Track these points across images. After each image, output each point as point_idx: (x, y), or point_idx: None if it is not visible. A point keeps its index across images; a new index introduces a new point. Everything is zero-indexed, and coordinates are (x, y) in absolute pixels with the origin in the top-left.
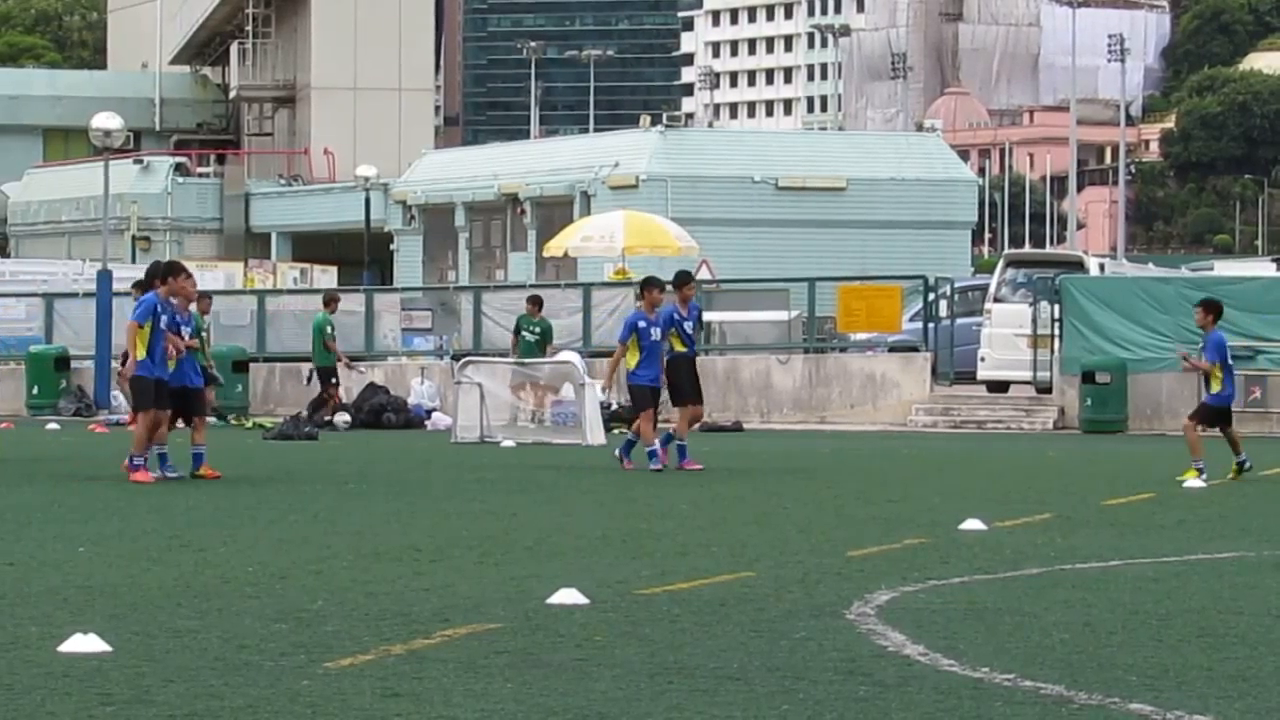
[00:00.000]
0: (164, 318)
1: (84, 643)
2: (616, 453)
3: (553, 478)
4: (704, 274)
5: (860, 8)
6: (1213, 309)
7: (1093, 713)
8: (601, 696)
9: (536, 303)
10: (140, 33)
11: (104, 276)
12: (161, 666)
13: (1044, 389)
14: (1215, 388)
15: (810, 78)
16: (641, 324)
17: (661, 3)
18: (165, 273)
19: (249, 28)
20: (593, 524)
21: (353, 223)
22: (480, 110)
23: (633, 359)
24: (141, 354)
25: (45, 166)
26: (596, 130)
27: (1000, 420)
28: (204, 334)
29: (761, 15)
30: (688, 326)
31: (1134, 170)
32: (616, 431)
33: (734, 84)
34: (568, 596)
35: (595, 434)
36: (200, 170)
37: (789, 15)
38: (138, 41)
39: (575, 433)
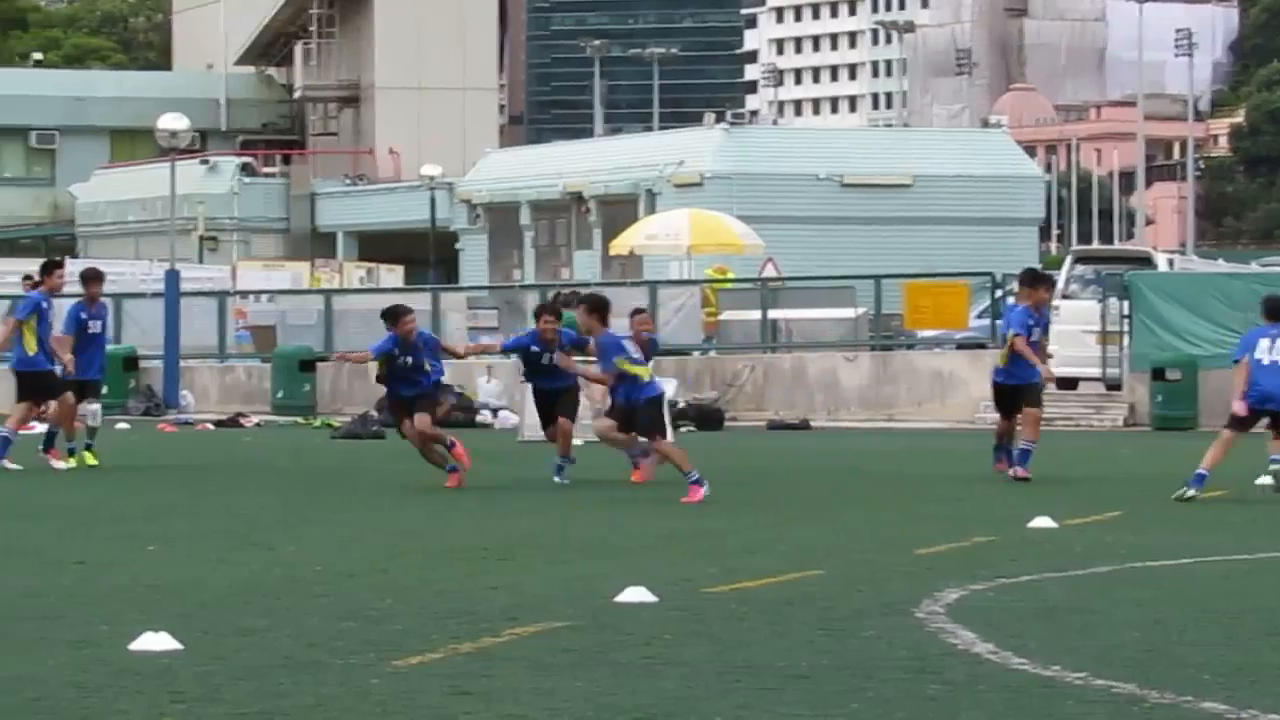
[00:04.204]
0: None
1: (154, 641)
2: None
3: (618, 476)
4: (769, 271)
5: (924, 4)
6: None
7: (1165, 711)
8: (669, 695)
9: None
10: (205, 34)
11: (172, 276)
12: (230, 665)
13: (1113, 386)
14: None
15: (874, 74)
16: (1030, 322)
17: (725, 0)
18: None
19: (313, 28)
20: (659, 522)
21: (418, 222)
22: (544, 109)
23: (1004, 357)
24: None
25: (112, 167)
26: (660, 128)
27: (1069, 417)
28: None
29: (825, 12)
30: (1036, 334)
31: (1202, 165)
32: (683, 430)
33: (798, 81)
34: (635, 595)
35: None
36: (266, 170)
37: (853, 11)
38: (202, 42)
39: None
